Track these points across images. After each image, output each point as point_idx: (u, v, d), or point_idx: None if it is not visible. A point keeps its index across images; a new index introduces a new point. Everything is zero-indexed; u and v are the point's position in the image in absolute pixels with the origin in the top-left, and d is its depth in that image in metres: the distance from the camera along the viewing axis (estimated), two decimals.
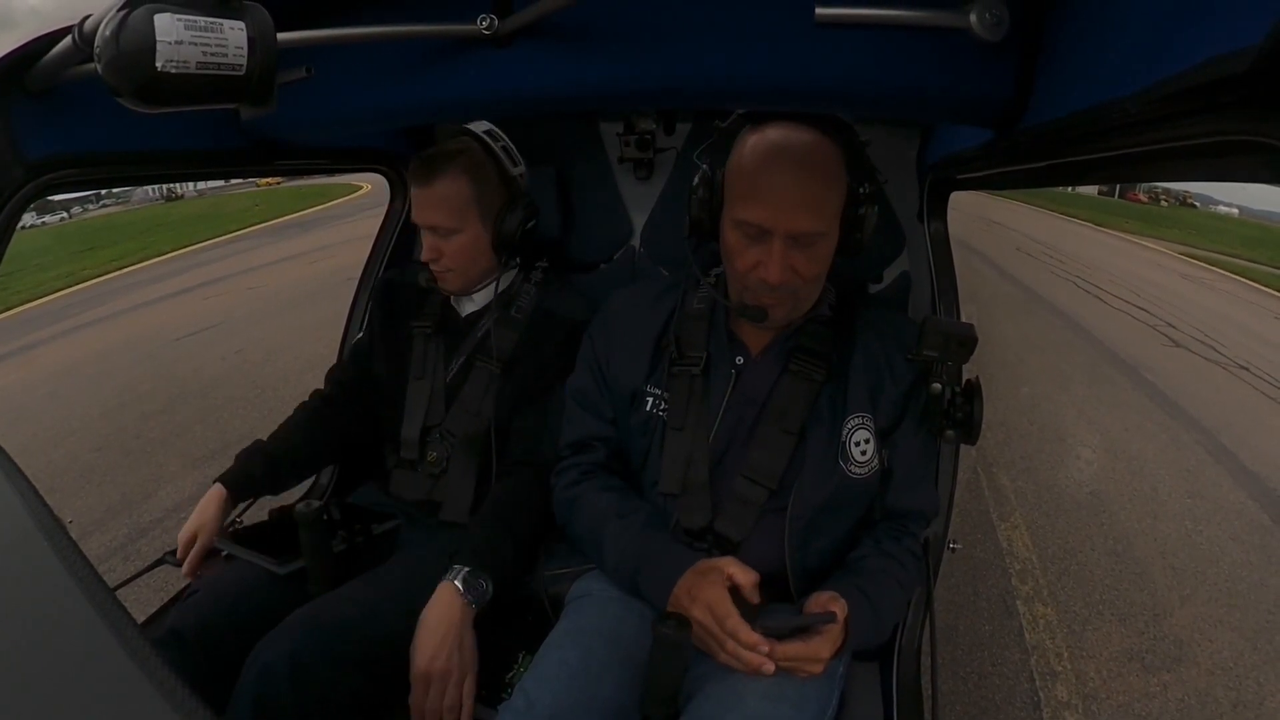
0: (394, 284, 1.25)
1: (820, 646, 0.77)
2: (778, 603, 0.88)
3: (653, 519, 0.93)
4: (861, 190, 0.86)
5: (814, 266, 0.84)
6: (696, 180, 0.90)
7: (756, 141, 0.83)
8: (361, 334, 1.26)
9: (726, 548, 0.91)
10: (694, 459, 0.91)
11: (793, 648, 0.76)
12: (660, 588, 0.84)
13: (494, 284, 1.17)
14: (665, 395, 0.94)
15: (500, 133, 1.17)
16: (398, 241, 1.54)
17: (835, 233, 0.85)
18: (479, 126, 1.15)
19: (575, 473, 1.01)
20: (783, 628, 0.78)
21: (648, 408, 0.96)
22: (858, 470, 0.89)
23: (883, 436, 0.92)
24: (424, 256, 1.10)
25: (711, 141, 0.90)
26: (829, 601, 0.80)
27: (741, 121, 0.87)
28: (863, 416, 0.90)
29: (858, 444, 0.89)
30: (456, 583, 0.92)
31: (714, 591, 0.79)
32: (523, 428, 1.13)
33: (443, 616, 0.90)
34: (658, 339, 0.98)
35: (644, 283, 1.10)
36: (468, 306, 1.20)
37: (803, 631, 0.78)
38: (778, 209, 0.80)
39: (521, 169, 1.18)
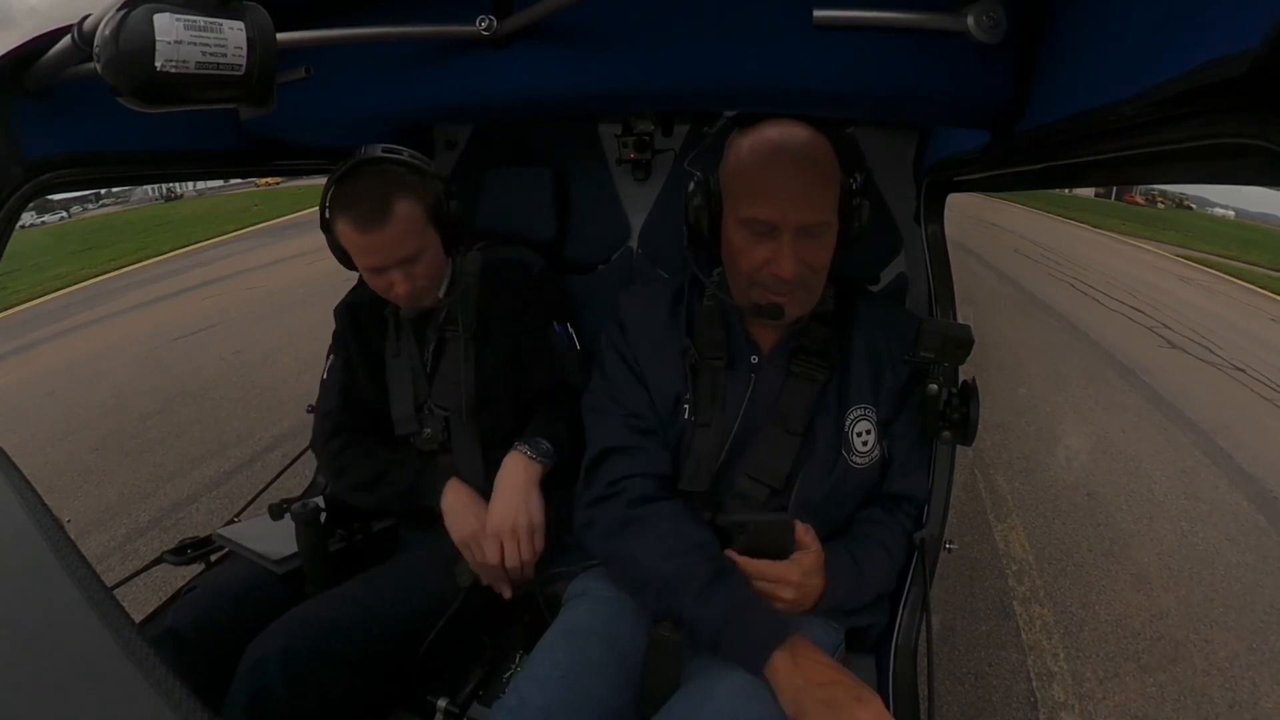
0: (355, 305, 1.21)
1: (787, 570, 0.80)
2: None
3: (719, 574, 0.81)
4: (853, 181, 0.88)
5: (823, 256, 0.86)
6: (692, 187, 0.90)
7: (754, 141, 0.84)
8: (335, 364, 1.21)
9: (724, 541, 0.91)
10: (707, 459, 0.92)
11: (762, 563, 0.79)
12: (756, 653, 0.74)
13: (449, 274, 1.16)
14: (691, 397, 0.94)
15: (395, 145, 1.08)
16: None
17: (835, 221, 0.87)
18: (371, 150, 1.05)
19: (619, 506, 0.90)
20: (753, 519, 0.82)
21: (684, 415, 0.95)
22: (859, 460, 0.91)
23: (884, 426, 0.93)
24: (400, 291, 1.03)
25: (701, 148, 0.90)
26: (804, 532, 0.83)
27: (730, 125, 0.87)
28: (865, 407, 0.92)
29: (860, 434, 0.91)
30: (521, 449, 1.01)
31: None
32: (539, 381, 1.15)
33: (511, 478, 0.99)
34: (682, 327, 0.98)
35: (652, 286, 1.08)
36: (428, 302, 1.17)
37: (775, 553, 0.81)
38: (785, 204, 0.81)
39: (431, 164, 1.10)
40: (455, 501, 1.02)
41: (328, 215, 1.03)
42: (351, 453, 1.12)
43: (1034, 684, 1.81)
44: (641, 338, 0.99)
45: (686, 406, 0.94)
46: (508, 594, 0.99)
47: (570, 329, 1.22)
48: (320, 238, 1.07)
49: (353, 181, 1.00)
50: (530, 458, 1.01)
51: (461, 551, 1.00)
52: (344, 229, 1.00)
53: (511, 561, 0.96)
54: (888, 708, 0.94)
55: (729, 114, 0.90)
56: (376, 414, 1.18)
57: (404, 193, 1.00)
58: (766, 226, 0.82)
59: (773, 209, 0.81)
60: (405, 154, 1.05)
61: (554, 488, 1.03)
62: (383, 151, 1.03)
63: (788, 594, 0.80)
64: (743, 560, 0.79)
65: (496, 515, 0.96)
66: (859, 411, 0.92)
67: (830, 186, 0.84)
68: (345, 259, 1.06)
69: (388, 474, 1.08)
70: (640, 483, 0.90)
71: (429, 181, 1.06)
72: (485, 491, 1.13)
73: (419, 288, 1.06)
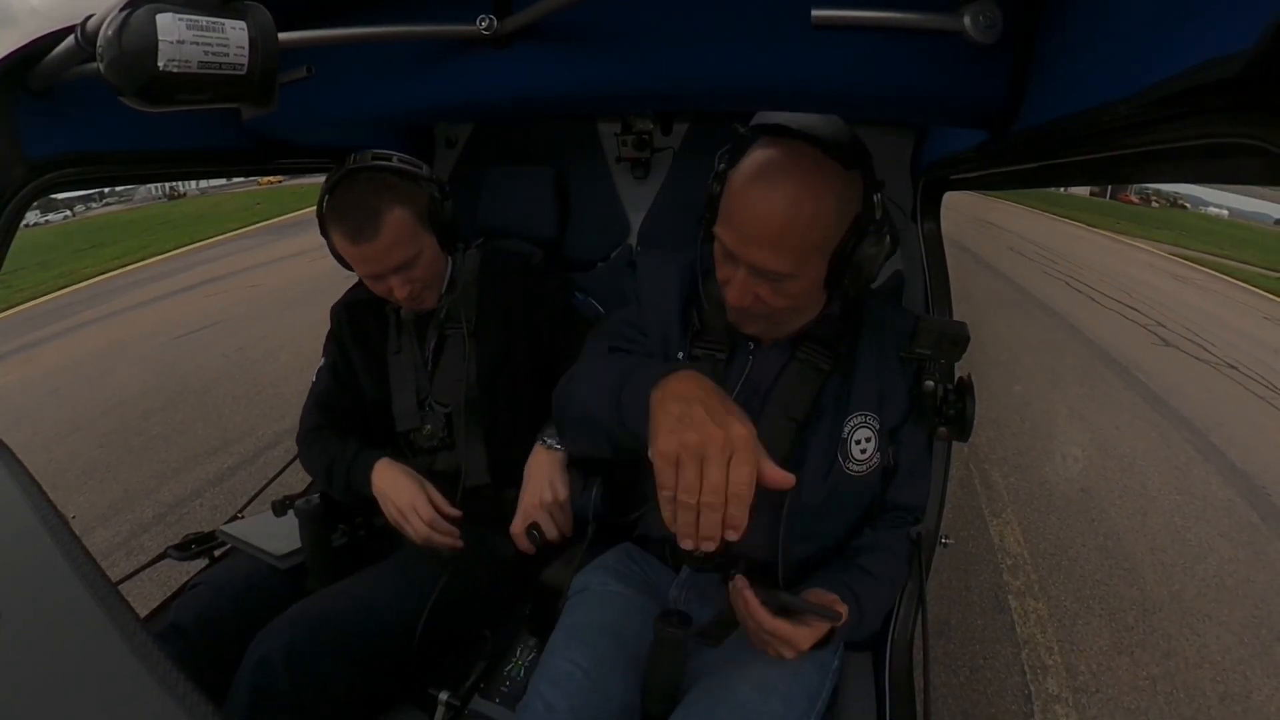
0: (354, 304, 1.22)
1: (802, 636, 0.78)
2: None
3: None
4: (866, 229, 0.77)
5: (781, 300, 0.80)
6: (711, 177, 0.87)
7: (753, 161, 0.78)
8: (323, 367, 1.23)
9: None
10: None
11: (781, 626, 0.77)
12: (643, 390, 0.70)
13: (449, 273, 1.17)
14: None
15: (385, 150, 1.08)
16: None
17: (814, 271, 0.78)
18: (361, 158, 1.05)
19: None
20: (783, 603, 0.79)
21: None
22: (855, 468, 0.90)
23: (891, 433, 0.92)
24: (399, 295, 1.05)
25: (733, 145, 0.84)
26: (833, 603, 0.80)
27: (760, 130, 0.81)
28: (866, 415, 0.90)
29: (858, 442, 0.89)
30: (541, 439, 1.07)
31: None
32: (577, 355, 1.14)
33: (537, 465, 1.05)
34: (685, 302, 0.96)
35: (667, 255, 1.05)
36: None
37: (793, 614, 0.79)
38: (744, 239, 0.76)
39: (425, 167, 1.11)
40: (383, 481, 1.05)
41: (324, 221, 1.04)
42: (312, 450, 1.15)
43: (1028, 677, 1.83)
44: (646, 288, 0.98)
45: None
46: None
47: (588, 297, 1.24)
48: (320, 236, 1.07)
49: (342, 192, 1.00)
50: (549, 446, 1.06)
51: (398, 525, 1.03)
52: (337, 240, 1.01)
53: (551, 534, 1.02)
54: (883, 700, 0.96)
55: (759, 116, 0.86)
56: (366, 413, 1.20)
57: (393, 200, 1.00)
58: (726, 251, 0.79)
59: (733, 239, 0.77)
60: (395, 159, 1.04)
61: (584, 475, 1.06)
62: (372, 158, 1.03)
63: (789, 654, 0.78)
64: (760, 614, 0.77)
65: (528, 497, 1.03)
66: (859, 419, 0.89)
67: (811, 235, 0.75)
68: (344, 262, 1.07)
69: (332, 470, 1.10)
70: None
71: (421, 185, 1.05)
72: (489, 484, 1.14)
73: (418, 290, 1.07)
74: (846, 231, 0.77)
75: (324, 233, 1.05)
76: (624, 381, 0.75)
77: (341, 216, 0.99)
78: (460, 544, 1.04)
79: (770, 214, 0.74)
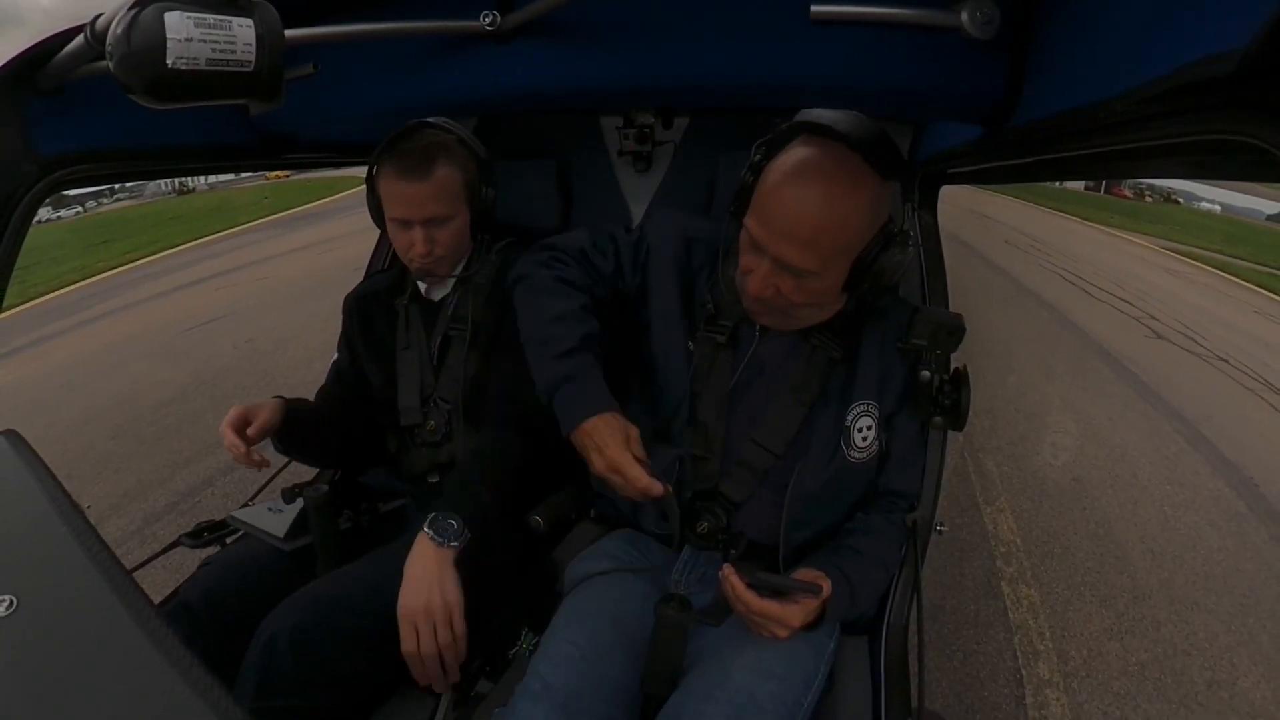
0: (365, 297, 1.25)
1: (792, 614, 0.79)
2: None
3: (585, 338, 0.90)
4: (891, 237, 0.80)
5: (800, 296, 0.82)
6: (745, 167, 0.86)
7: (791, 156, 0.79)
8: (338, 355, 1.27)
9: (729, 508, 0.94)
10: (714, 424, 0.93)
11: (770, 606, 0.79)
12: (571, 416, 0.86)
13: (464, 262, 1.19)
14: (694, 349, 0.95)
15: (453, 123, 1.16)
16: None
17: (838, 272, 0.81)
18: (431, 118, 1.13)
19: (542, 259, 0.98)
20: (770, 584, 0.81)
21: (685, 346, 0.95)
22: (857, 455, 0.92)
23: (887, 420, 0.94)
24: (418, 251, 1.07)
25: (771, 137, 0.84)
26: (817, 578, 0.83)
27: (801, 126, 0.80)
28: (868, 404, 0.92)
29: (860, 430, 0.91)
30: (425, 529, 0.89)
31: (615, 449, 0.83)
32: (500, 387, 1.13)
33: (415, 563, 0.87)
34: (689, 281, 0.97)
35: (694, 217, 1.04)
36: (440, 291, 1.21)
37: (783, 594, 0.81)
38: (774, 232, 0.78)
39: (482, 148, 1.17)
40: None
41: (374, 170, 1.09)
42: None
43: (1020, 661, 1.87)
44: (655, 252, 0.98)
45: (685, 342, 0.95)
46: (438, 686, 0.89)
47: None
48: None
49: (406, 137, 1.06)
50: (434, 541, 0.88)
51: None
52: (387, 176, 1.05)
53: (429, 649, 0.85)
54: (879, 684, 0.99)
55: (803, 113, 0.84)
56: (371, 406, 1.21)
57: (449, 158, 1.07)
58: (753, 242, 0.81)
59: (763, 231, 0.79)
60: (460, 130, 1.12)
61: (484, 553, 0.95)
62: (442, 123, 1.10)
63: (782, 634, 0.80)
64: (748, 596, 0.78)
65: (406, 600, 0.85)
66: (862, 407, 0.91)
67: (839, 237, 0.77)
68: (378, 215, 1.11)
69: None
70: (566, 269, 0.97)
71: (476, 160, 1.12)
72: None
73: (437, 255, 1.10)
74: (873, 238, 0.79)
75: (370, 181, 1.10)
76: (557, 387, 0.88)
77: (399, 157, 1.04)
78: (263, 462, 0.99)
79: (805, 213, 0.76)
